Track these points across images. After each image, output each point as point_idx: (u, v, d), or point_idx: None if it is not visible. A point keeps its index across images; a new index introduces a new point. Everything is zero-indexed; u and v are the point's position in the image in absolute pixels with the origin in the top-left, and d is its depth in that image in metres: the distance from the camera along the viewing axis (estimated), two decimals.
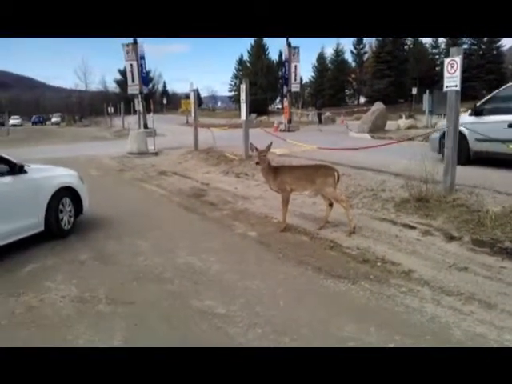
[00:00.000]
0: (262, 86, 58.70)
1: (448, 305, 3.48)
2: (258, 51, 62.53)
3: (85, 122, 57.46)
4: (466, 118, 8.72)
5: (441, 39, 54.12)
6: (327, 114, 31.89)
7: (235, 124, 20.05)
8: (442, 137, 8.77)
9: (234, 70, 70.61)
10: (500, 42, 49.92)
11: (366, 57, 61.11)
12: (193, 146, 14.49)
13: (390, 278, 4.02)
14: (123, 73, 54.72)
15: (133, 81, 24.38)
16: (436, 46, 56.34)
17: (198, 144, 14.39)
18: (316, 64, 63.80)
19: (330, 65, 63.21)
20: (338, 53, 61.85)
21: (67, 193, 5.76)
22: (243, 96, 11.38)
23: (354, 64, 62.74)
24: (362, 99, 59.75)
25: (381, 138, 16.54)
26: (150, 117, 19.60)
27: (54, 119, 64.86)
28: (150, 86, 62.89)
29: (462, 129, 8.13)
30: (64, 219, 5.64)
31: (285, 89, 26.43)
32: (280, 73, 59.04)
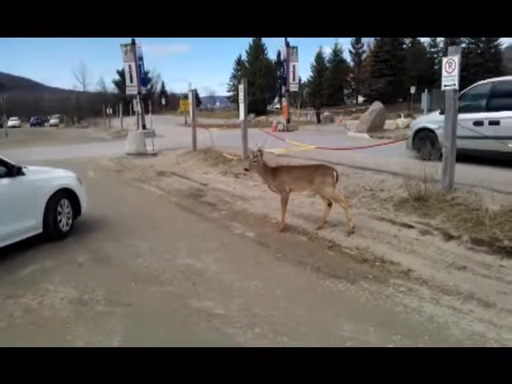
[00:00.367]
0: (261, 85, 58.71)
1: (447, 304, 3.48)
2: (257, 51, 62.52)
3: (83, 123, 57.38)
4: (436, 116, 9.29)
5: (439, 38, 54.19)
6: (326, 113, 31.91)
7: (233, 124, 20.07)
8: (415, 134, 9.84)
9: (233, 71, 70.67)
10: (498, 41, 49.97)
11: (364, 56, 61.10)
12: (191, 147, 14.48)
13: (388, 277, 4.02)
14: (121, 74, 54.68)
15: (131, 81, 24.40)
16: (434, 45, 56.36)
17: (196, 144, 14.37)
18: (314, 63, 63.79)
19: (328, 64, 63.15)
20: (337, 52, 61.82)
21: (65, 194, 5.75)
22: (241, 96, 11.37)
23: (352, 63, 62.72)
24: (361, 98, 59.69)
25: (379, 137, 16.55)
26: (149, 117, 19.60)
27: (52, 121, 64.82)
28: (149, 86, 63.04)
29: (432, 126, 9.26)
30: (62, 221, 5.63)
31: (283, 88, 26.48)
32: (278, 73, 59.14)
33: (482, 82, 9.02)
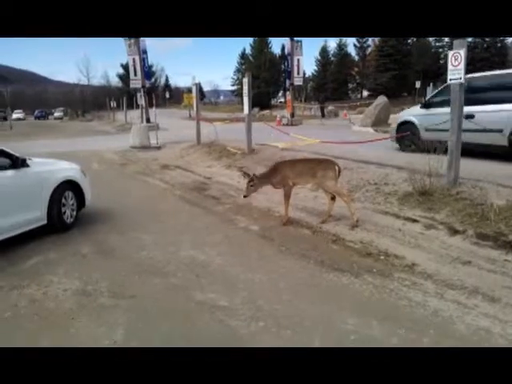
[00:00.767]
0: (265, 79, 58.50)
1: (451, 298, 3.46)
2: (261, 45, 62.24)
3: (87, 116, 57.41)
4: (417, 110, 10.18)
5: None
6: (330, 107, 31.76)
7: (237, 118, 20.02)
8: (399, 127, 10.46)
9: (237, 64, 70.42)
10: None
11: (369, 50, 60.75)
12: (195, 140, 14.46)
13: (393, 271, 4.01)
14: (126, 67, 54.68)
15: (135, 75, 24.31)
16: (440, 39, 55.94)
17: (200, 138, 14.35)
18: (319, 57, 63.48)
19: (333, 58, 62.86)
20: (341, 46, 61.49)
21: (69, 186, 5.76)
22: (245, 89, 11.31)
23: (357, 58, 62.41)
24: (365, 93, 59.46)
25: (384, 131, 16.46)
26: (153, 111, 19.57)
27: (56, 114, 64.89)
28: (153, 80, 62.74)
29: (413, 119, 10.02)
30: (66, 213, 5.64)
31: (287, 82, 26.32)
32: (283, 66, 58.76)
33: None
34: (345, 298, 3.53)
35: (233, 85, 72.92)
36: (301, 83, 27.26)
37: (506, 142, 8.17)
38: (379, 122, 18.86)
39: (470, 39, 47.62)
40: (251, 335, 3.02)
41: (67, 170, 5.96)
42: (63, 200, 5.58)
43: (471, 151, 8.16)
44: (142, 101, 24.46)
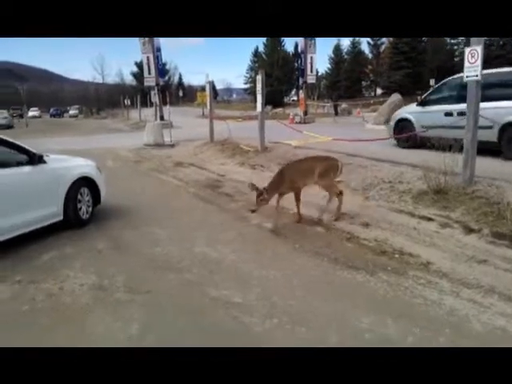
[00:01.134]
0: (278, 77, 58.38)
1: (467, 297, 3.43)
2: (274, 43, 62.09)
3: (102, 114, 57.95)
4: (413, 107, 10.59)
5: None
6: (343, 105, 31.60)
7: (250, 116, 20.03)
8: (396, 124, 10.76)
9: (250, 62, 70.45)
10: None
11: (382, 48, 60.20)
12: (208, 138, 14.51)
13: (408, 269, 3.98)
14: (140, 65, 54.92)
15: (149, 73, 24.45)
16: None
17: (213, 136, 14.40)
18: (332, 55, 63.14)
19: (346, 56, 62.46)
20: (355, 44, 61.05)
21: (85, 183, 5.82)
22: (259, 87, 11.31)
23: (370, 55, 61.92)
24: (379, 91, 58.94)
25: None
26: (167, 109, 19.69)
27: (71, 111, 65.64)
28: (166, 78, 63.07)
29: (409, 117, 10.33)
30: (82, 209, 5.71)
31: (301, 80, 26.26)
32: (296, 64, 58.59)
33: (454, 76, 9.75)
34: (359, 296, 3.52)
35: (246, 83, 73.03)
36: (314, 81, 27.17)
37: (495, 138, 8.43)
38: None
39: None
40: (266, 332, 3.03)
41: (83, 166, 6.03)
42: (79, 196, 5.65)
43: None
44: (155, 99, 24.60)
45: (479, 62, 5.70)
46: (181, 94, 64.48)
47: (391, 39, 56.34)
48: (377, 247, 4.56)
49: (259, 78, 11.30)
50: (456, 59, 50.87)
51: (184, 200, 7.34)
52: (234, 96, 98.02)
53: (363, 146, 10.28)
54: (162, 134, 15.87)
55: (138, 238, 5.21)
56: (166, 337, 3.02)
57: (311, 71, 25.27)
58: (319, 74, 52.40)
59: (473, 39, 5.95)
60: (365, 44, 61.45)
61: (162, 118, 24.40)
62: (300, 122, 22.33)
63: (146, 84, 25.54)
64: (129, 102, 42.70)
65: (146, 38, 23.93)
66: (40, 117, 59.14)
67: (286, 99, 62.40)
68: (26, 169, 5.05)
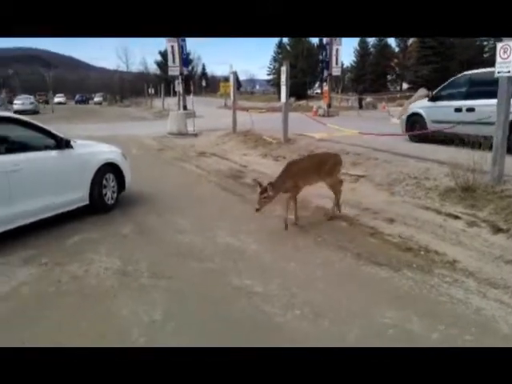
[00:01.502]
0: (302, 69, 57.75)
1: (494, 297, 3.35)
2: None
3: (125, 102, 58.51)
4: (424, 102, 10.76)
5: None
6: (368, 99, 31.14)
7: (273, 107, 19.93)
8: (408, 118, 10.88)
9: (273, 54, 69.91)
10: None
11: (410, 41, 58.99)
12: (231, 129, 14.51)
13: (433, 267, 3.91)
14: (164, 54, 55.26)
15: (173, 62, 24.52)
16: None
17: (236, 126, 14.39)
18: (358, 48, 62.18)
19: (372, 49, 61.44)
20: (381, 37, 59.95)
21: (111, 169, 5.89)
22: (283, 78, 11.23)
23: (397, 49, 60.74)
24: (405, 85, 57.84)
25: None
26: (190, 98, 19.74)
27: (96, 99, 66.56)
28: (190, 67, 63.24)
29: (421, 111, 10.47)
30: (107, 194, 5.78)
31: (325, 72, 25.94)
32: (320, 56, 57.81)
33: (463, 73, 9.97)
34: (383, 292, 3.48)
35: (269, 74, 72.52)
36: (339, 73, 26.81)
37: None
38: None
39: None
40: (288, 322, 3.03)
41: (109, 152, 6.10)
42: (104, 182, 5.72)
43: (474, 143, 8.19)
44: (179, 88, 24.68)
45: None
46: (204, 84, 64.64)
47: None
48: (401, 243, 4.49)
49: (284, 69, 11.22)
50: (485, 55, 49.51)
51: (206, 189, 7.36)
52: (257, 87, 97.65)
53: (388, 140, 10.13)
54: (185, 124, 15.94)
55: (161, 225, 5.26)
56: (188, 323, 3.04)
57: (336, 63, 24.95)
58: (344, 66, 51.67)
59: None
60: (391, 37, 60.29)
61: (185, 107, 24.49)
62: (323, 115, 22.11)
63: (170, 73, 25.63)
64: (152, 91, 42.95)
65: None
66: (65, 103, 60.07)
67: (309, 92, 61.84)
68: (54, 153, 5.13)
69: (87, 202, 5.48)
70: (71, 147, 5.34)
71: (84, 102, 66.09)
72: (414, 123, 10.62)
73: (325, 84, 25.87)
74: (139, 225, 5.27)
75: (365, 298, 3.39)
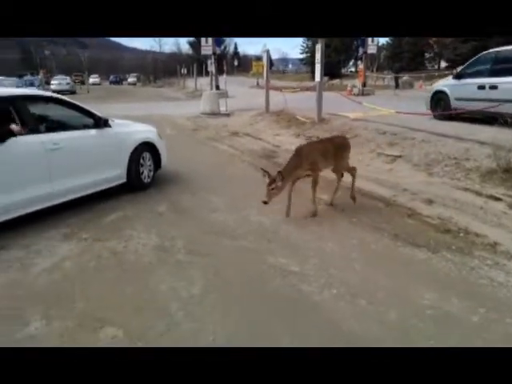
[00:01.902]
0: (336, 48, 56.46)
1: None
2: None
3: (158, 82, 59.03)
4: (449, 80, 10.75)
5: None
6: (405, 78, 30.15)
7: (306, 86, 19.62)
8: (433, 96, 10.89)
9: None
10: None
11: None
12: (264, 108, 14.41)
13: (473, 249, 3.81)
14: None
15: (206, 41, 24.42)
16: None
17: (269, 106, 14.28)
18: None
19: None
20: None
21: (147, 148, 5.98)
22: (318, 57, 11.00)
23: None
24: (443, 64, 55.73)
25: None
26: (223, 78, 19.69)
27: (130, 79, 67.49)
28: (222, 47, 62.94)
29: (445, 89, 10.51)
30: (144, 173, 5.89)
31: (360, 50, 25.24)
32: None
33: (489, 50, 9.77)
34: (421, 273, 3.42)
35: (302, 53, 71.12)
36: (374, 51, 25.96)
37: None
38: None
39: None
40: (325, 301, 3.03)
41: (145, 132, 6.18)
42: (141, 160, 5.82)
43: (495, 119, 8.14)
44: (212, 68, 24.58)
45: None
46: (236, 63, 64.26)
47: None
48: (440, 225, 4.38)
49: (318, 47, 10.98)
50: None
51: (239, 169, 7.38)
52: (290, 66, 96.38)
53: (424, 120, 9.84)
54: (218, 103, 15.95)
55: (195, 204, 5.32)
56: (225, 299, 3.09)
57: (372, 41, 24.17)
58: (380, 44, 50.17)
59: None
60: None
61: (217, 87, 24.43)
62: (358, 94, 21.60)
63: (202, 53, 25.50)
64: (185, 71, 43.10)
65: None
66: (100, 84, 61.15)
67: (343, 70, 60.49)
68: (93, 132, 5.25)
69: (125, 180, 5.59)
70: (109, 126, 5.43)
71: (118, 82, 67.09)
72: (438, 101, 10.65)
73: (360, 62, 25.24)
74: (174, 203, 5.35)
75: (402, 278, 3.35)
